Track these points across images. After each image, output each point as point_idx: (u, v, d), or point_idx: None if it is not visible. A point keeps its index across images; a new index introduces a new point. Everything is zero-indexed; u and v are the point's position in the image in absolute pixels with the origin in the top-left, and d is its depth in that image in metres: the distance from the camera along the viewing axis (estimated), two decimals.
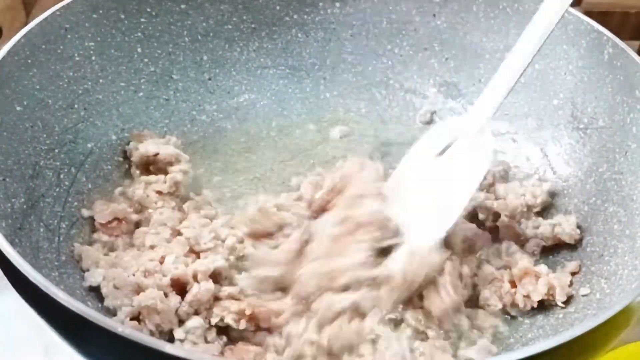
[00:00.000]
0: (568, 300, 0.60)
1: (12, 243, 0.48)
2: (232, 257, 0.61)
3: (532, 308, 0.60)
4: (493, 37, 0.75)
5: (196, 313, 0.57)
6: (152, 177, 0.67)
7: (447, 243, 0.60)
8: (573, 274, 0.62)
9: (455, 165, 0.62)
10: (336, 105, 0.80)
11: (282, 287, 0.59)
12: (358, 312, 0.56)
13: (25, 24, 0.68)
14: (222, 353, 0.55)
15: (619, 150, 0.64)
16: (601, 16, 0.68)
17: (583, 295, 0.59)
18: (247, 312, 0.56)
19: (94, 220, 0.64)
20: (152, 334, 0.54)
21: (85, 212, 0.63)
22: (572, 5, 0.64)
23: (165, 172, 0.68)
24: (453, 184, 0.61)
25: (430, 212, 0.61)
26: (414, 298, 0.58)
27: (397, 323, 0.57)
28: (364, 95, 0.80)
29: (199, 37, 0.76)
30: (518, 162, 0.73)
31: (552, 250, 0.65)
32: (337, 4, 0.79)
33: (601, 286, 0.58)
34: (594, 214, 0.64)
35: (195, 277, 0.57)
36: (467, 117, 0.64)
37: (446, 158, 0.62)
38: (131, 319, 0.55)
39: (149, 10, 0.73)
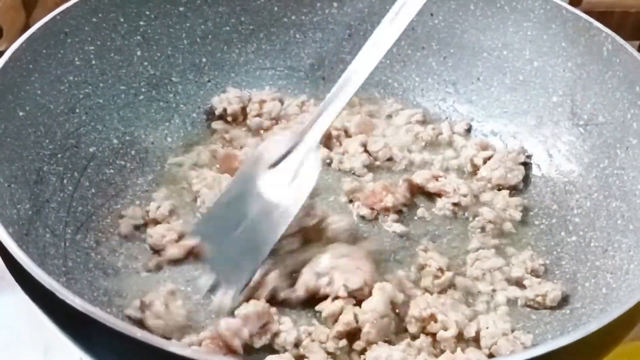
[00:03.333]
0: (574, 296, 0.60)
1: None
2: None
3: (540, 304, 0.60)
4: (491, 36, 0.75)
5: None
6: None
7: None
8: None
9: (281, 182, 0.62)
10: None
11: None
12: None
13: (26, 24, 0.67)
14: None
15: (619, 146, 0.64)
16: (601, 16, 0.68)
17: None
18: None
19: (98, 224, 0.64)
20: None
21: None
22: (572, 5, 0.65)
23: None
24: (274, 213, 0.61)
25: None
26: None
27: None
28: (362, 95, 0.80)
29: (198, 40, 0.76)
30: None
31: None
32: (335, 4, 0.79)
33: (607, 281, 0.59)
34: (596, 209, 0.65)
35: None
36: (302, 130, 0.63)
37: (275, 173, 0.63)
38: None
39: (147, 13, 0.73)
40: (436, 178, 0.69)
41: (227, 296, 0.58)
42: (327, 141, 0.74)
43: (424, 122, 0.77)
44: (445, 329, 0.56)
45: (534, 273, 0.63)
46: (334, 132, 0.74)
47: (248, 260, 0.60)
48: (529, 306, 0.61)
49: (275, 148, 0.64)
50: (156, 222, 0.65)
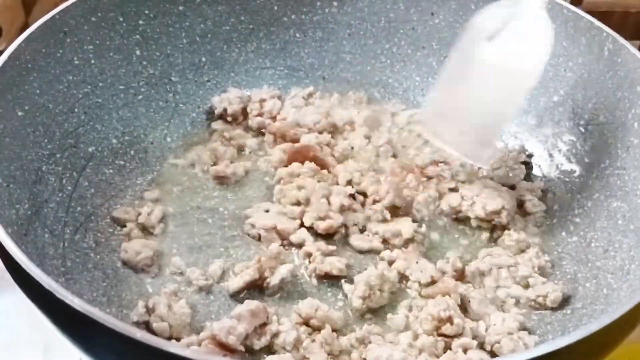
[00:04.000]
0: (575, 296, 0.60)
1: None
2: None
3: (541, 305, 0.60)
4: None
5: None
6: None
7: None
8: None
9: (510, 52, 0.57)
10: None
11: None
12: None
13: (25, 23, 0.67)
14: None
15: (620, 146, 0.64)
16: (601, 16, 0.68)
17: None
18: None
19: (97, 224, 0.64)
20: None
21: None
22: (572, 4, 0.65)
23: None
24: (507, 79, 0.57)
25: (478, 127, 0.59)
26: None
27: None
28: (363, 95, 0.80)
29: (197, 39, 0.76)
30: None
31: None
32: (335, 4, 0.79)
33: (608, 281, 0.58)
34: (597, 209, 0.64)
35: None
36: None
37: (498, 43, 0.58)
38: None
39: (147, 12, 0.72)
40: (436, 163, 0.70)
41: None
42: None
43: None
44: (460, 334, 0.56)
45: (541, 271, 0.63)
46: (340, 124, 0.75)
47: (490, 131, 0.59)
48: (530, 306, 0.60)
49: (493, 16, 0.59)
50: (143, 227, 0.65)
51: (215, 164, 0.71)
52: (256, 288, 0.60)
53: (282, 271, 0.60)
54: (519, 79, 0.58)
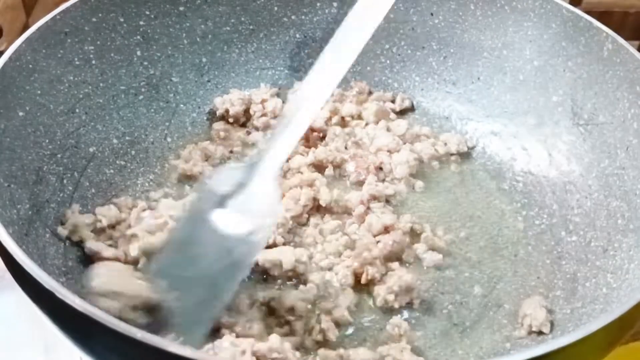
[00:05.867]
0: (574, 295, 0.60)
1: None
2: None
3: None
4: (491, 35, 0.75)
5: None
6: None
7: None
8: None
9: (239, 221, 0.55)
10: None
11: None
12: None
13: (26, 23, 0.67)
14: None
15: (620, 146, 0.64)
16: (600, 16, 0.68)
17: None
18: None
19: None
20: None
21: None
22: (572, 5, 0.65)
23: None
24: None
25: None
26: None
27: None
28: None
29: (198, 39, 0.76)
30: (519, 159, 0.73)
31: None
32: (335, 4, 0.79)
33: (607, 280, 0.58)
34: (596, 209, 0.64)
35: None
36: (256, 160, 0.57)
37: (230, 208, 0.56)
38: None
39: (147, 13, 0.72)
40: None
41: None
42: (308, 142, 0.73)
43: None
44: None
45: None
46: (347, 119, 0.76)
47: (208, 309, 0.55)
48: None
49: (227, 180, 0.57)
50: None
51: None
52: None
53: None
54: (245, 248, 0.55)
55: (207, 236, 0.55)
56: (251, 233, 0.55)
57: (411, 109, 0.79)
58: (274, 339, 0.52)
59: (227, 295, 0.55)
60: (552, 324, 0.59)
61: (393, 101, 0.79)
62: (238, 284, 0.56)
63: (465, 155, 0.75)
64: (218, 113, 0.76)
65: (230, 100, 0.75)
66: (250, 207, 0.56)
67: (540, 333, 0.59)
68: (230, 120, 0.75)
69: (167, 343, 0.42)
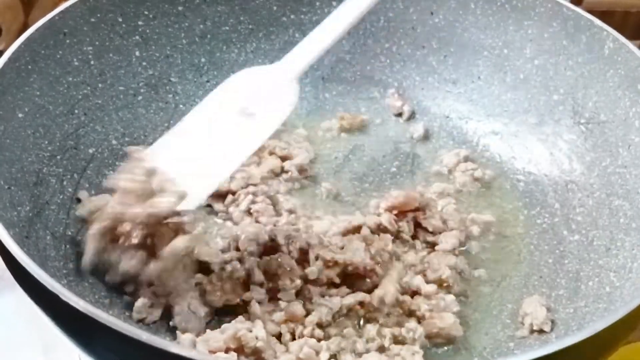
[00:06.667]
0: (577, 294, 0.60)
1: None
2: None
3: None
4: (491, 34, 0.75)
5: None
6: None
7: None
8: None
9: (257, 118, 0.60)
10: (335, 105, 0.80)
11: None
12: None
13: (25, 23, 0.67)
14: None
15: (622, 144, 0.64)
16: (602, 15, 0.68)
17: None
18: None
19: None
20: None
21: None
22: (573, 3, 0.65)
23: None
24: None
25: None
26: None
27: None
28: (362, 94, 0.80)
29: (197, 39, 0.76)
30: (520, 158, 0.73)
31: None
32: (334, 3, 0.78)
33: (610, 279, 0.58)
34: (599, 208, 0.64)
35: None
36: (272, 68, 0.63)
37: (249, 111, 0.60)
38: None
39: (146, 13, 0.72)
40: None
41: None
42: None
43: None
44: None
45: None
46: None
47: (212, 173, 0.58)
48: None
49: (249, 80, 0.62)
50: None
51: None
52: None
53: None
54: (259, 127, 0.60)
55: (221, 121, 0.60)
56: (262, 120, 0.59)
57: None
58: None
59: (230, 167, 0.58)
60: (555, 323, 0.59)
61: (400, 114, 0.79)
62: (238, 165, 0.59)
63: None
64: None
65: None
66: (268, 107, 0.60)
67: (541, 332, 0.58)
68: None
69: (168, 343, 0.42)
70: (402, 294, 0.59)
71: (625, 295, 0.55)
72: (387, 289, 0.58)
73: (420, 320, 0.58)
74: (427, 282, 0.61)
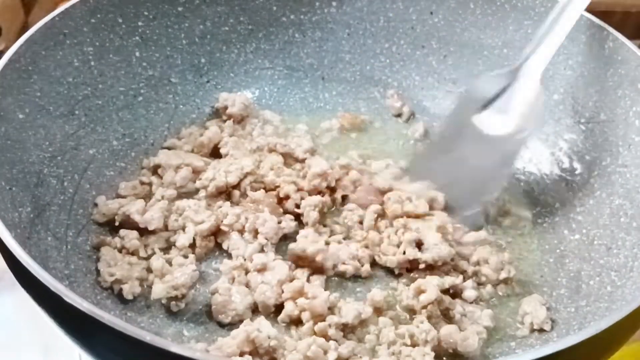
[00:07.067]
0: (578, 294, 0.60)
1: None
2: None
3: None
4: (491, 34, 0.75)
5: None
6: None
7: None
8: None
9: (502, 121, 0.61)
10: (335, 105, 0.80)
11: None
12: None
13: (25, 23, 0.67)
14: None
15: (622, 144, 0.64)
16: (602, 15, 0.68)
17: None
18: None
19: (100, 227, 0.63)
20: None
21: None
22: None
23: None
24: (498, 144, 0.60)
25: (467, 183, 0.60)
26: None
27: None
28: (362, 94, 0.80)
29: (196, 40, 0.76)
30: (520, 158, 0.72)
31: None
32: (334, 4, 0.79)
33: (611, 279, 0.58)
34: (599, 207, 0.64)
35: None
36: (517, 64, 0.63)
37: (492, 112, 0.61)
38: None
39: (146, 13, 0.72)
40: None
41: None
42: None
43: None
44: None
45: None
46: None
47: (478, 192, 0.61)
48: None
49: (489, 85, 0.62)
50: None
51: None
52: None
53: None
54: (510, 147, 0.61)
55: (472, 139, 0.61)
56: (515, 133, 0.60)
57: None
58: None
59: (496, 189, 0.61)
60: (556, 322, 0.59)
61: (400, 115, 0.79)
62: (505, 180, 0.62)
63: None
64: (216, 106, 0.75)
65: (233, 100, 0.75)
66: (514, 107, 0.60)
67: (541, 331, 0.58)
68: (224, 117, 0.75)
69: (169, 343, 0.42)
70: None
71: (626, 295, 0.55)
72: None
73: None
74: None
